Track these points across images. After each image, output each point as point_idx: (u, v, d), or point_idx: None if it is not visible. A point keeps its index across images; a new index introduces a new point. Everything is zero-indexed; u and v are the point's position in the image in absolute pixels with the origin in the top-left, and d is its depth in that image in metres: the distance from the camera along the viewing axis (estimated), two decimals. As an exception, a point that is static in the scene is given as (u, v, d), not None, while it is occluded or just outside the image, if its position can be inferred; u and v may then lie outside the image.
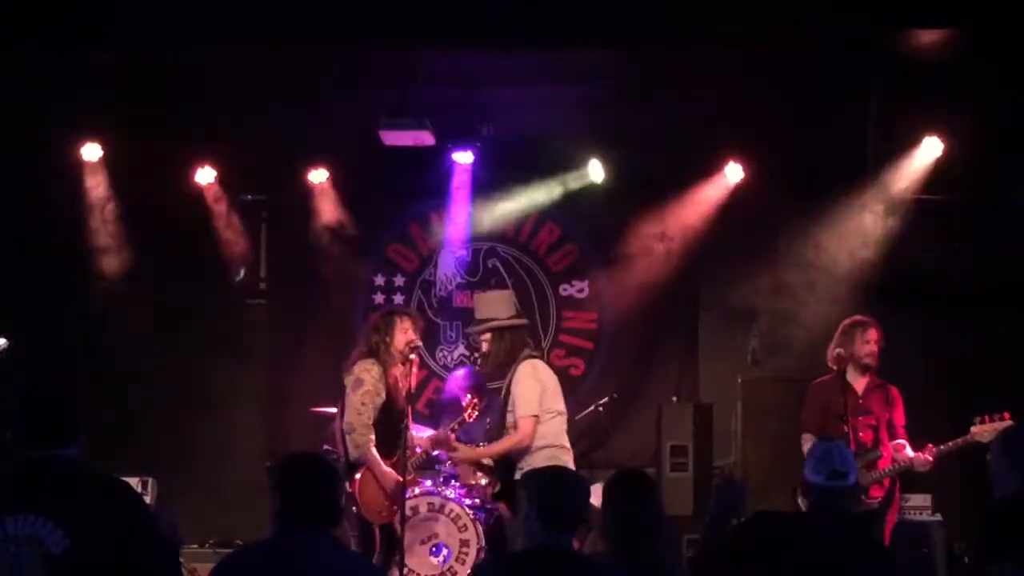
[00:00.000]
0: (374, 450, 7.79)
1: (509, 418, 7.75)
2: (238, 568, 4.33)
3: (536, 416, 7.66)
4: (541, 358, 8.14)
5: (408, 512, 8.06)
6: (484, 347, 7.92)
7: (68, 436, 4.24)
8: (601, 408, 10.03)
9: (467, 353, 10.43)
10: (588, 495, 4.73)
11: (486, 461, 8.17)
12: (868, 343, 8.25)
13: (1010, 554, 4.91)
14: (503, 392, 7.84)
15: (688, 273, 10.57)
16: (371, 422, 7.81)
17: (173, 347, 10.46)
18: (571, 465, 7.71)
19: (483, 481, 8.24)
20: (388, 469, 7.81)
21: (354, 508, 7.82)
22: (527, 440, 7.63)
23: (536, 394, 7.69)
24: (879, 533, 8.05)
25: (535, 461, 7.57)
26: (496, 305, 7.90)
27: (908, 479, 8.60)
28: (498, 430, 7.96)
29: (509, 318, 7.82)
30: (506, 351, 7.82)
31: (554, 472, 4.87)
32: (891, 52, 8.65)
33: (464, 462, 7.89)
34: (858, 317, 8.41)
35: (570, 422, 9.97)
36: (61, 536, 3.98)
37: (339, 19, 8.18)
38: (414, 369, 7.93)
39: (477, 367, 7.90)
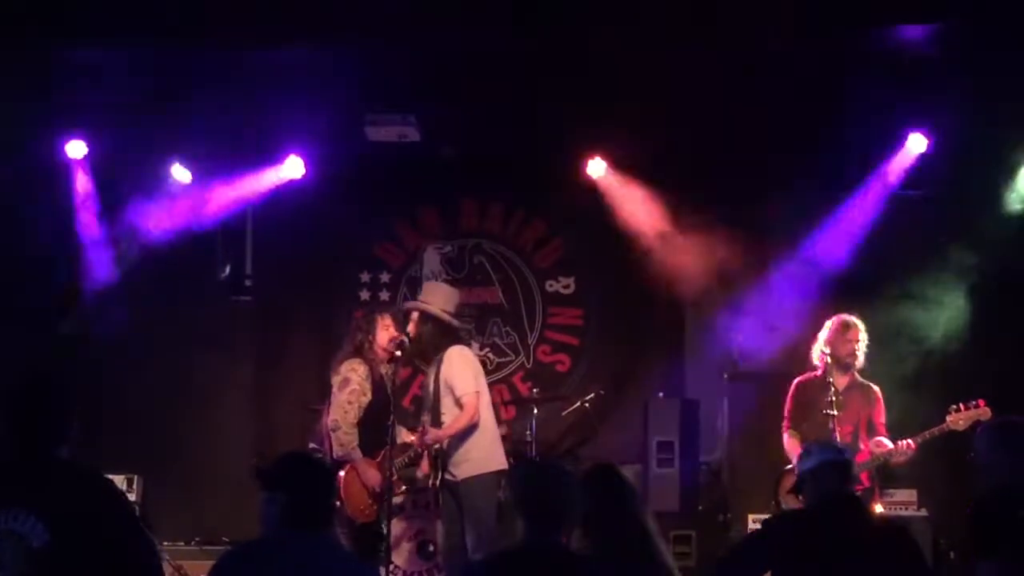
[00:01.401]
0: (358, 449, 7.81)
1: (446, 402, 7.74)
2: (237, 567, 4.33)
3: (477, 392, 7.71)
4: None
5: (395, 510, 8.08)
6: (410, 326, 7.94)
7: (59, 435, 4.25)
8: (587, 404, 10.03)
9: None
10: (573, 489, 4.69)
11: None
12: (850, 342, 8.29)
13: (1002, 550, 4.94)
14: (430, 382, 7.85)
15: (674, 268, 10.57)
16: (356, 421, 7.82)
17: (159, 345, 10.44)
18: (501, 452, 7.83)
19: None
20: (372, 468, 7.83)
21: (338, 504, 7.83)
22: (475, 416, 7.67)
23: (471, 372, 7.76)
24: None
25: (480, 448, 7.65)
26: (434, 294, 7.98)
27: (894, 474, 8.63)
28: (434, 417, 7.90)
29: (439, 309, 7.83)
30: (427, 338, 7.84)
31: (534, 466, 4.84)
32: (876, 48, 8.66)
33: (434, 444, 7.86)
34: (843, 316, 8.44)
35: (557, 418, 10.06)
36: (42, 530, 4.00)
37: (326, 16, 8.18)
38: (399, 367, 7.95)
39: (398, 352, 7.88)
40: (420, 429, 8.00)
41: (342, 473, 7.82)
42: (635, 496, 5.06)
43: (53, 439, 4.23)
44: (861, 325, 8.35)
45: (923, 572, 5.16)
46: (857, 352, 8.29)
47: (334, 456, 7.85)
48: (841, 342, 8.29)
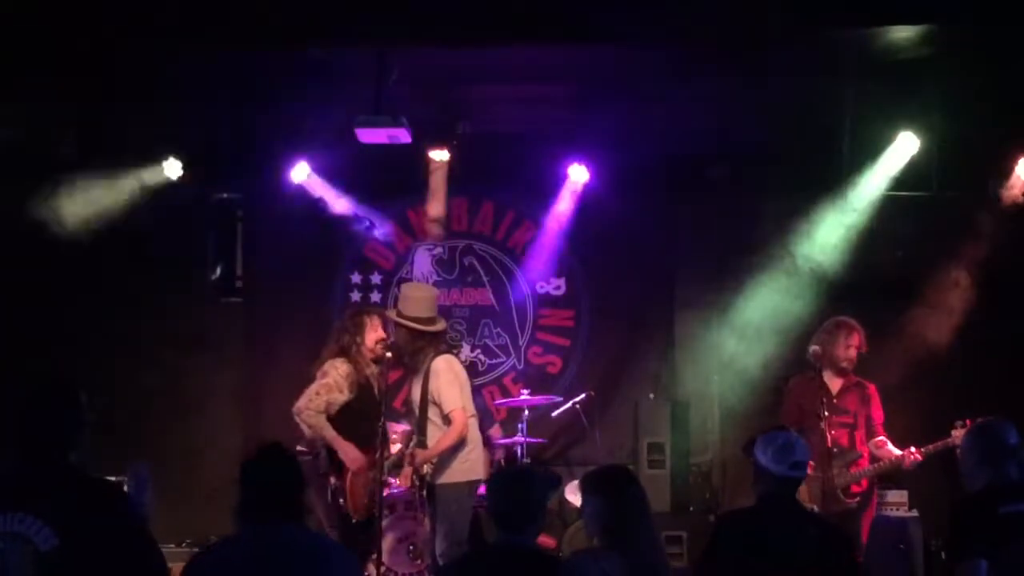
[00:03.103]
0: (329, 426, 7.80)
1: (432, 415, 7.72)
2: (207, 568, 4.35)
3: (464, 407, 7.68)
4: (454, 354, 8.12)
5: (385, 511, 8.06)
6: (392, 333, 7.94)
7: (70, 441, 4.26)
8: (578, 405, 10.04)
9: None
10: (537, 489, 4.67)
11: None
12: (849, 347, 8.22)
13: (979, 551, 4.96)
14: (418, 392, 7.80)
15: (665, 270, 10.59)
16: (321, 410, 7.82)
17: (149, 345, 10.43)
18: (479, 463, 7.77)
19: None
20: (354, 450, 7.83)
21: (341, 501, 7.82)
22: (464, 431, 7.65)
23: (456, 387, 7.70)
24: (857, 530, 8.08)
25: (458, 458, 7.63)
26: (406, 302, 7.91)
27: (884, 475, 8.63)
28: (420, 429, 7.85)
29: (408, 319, 7.79)
30: (403, 344, 7.81)
31: (499, 472, 4.87)
32: (866, 49, 8.66)
33: (423, 465, 7.81)
34: (844, 318, 8.37)
35: (547, 419, 10.06)
36: (49, 534, 4.01)
37: (316, 17, 8.17)
38: (388, 368, 7.93)
39: (389, 354, 7.86)
40: (409, 453, 7.97)
41: (349, 472, 7.83)
42: (645, 497, 5.08)
43: (64, 445, 4.25)
44: (860, 328, 8.30)
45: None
46: (855, 358, 8.24)
47: (306, 436, 7.87)
48: (841, 346, 8.22)
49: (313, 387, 7.90)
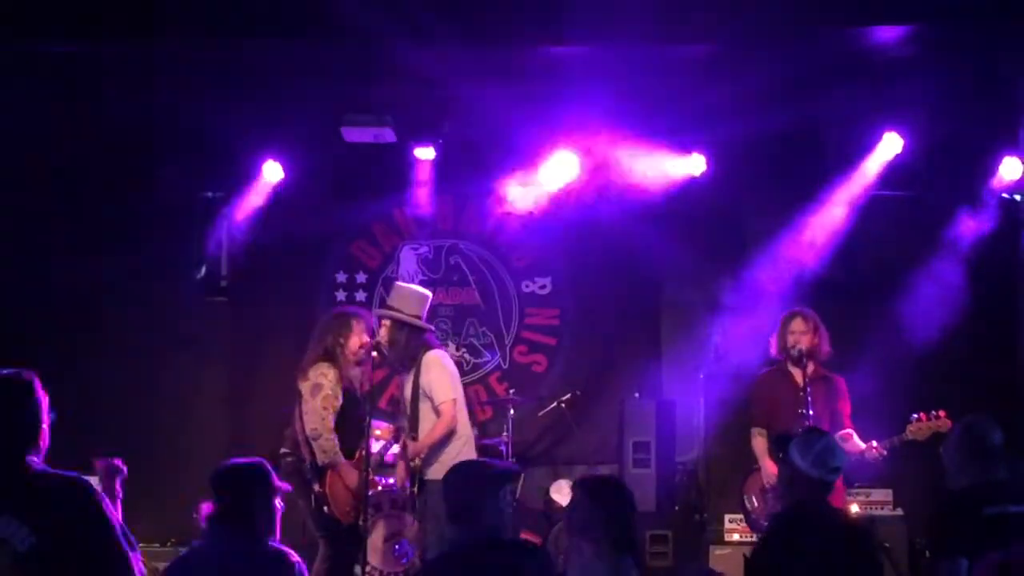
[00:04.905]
0: (340, 454, 7.78)
1: (423, 408, 7.73)
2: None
3: (455, 400, 7.69)
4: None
5: (371, 510, 8.04)
6: (382, 332, 7.91)
7: (33, 441, 4.23)
8: (564, 404, 10.04)
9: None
10: (480, 481, 4.65)
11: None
12: (793, 333, 8.19)
13: (961, 550, 4.98)
14: (409, 387, 7.81)
15: (651, 268, 10.60)
16: (333, 426, 7.79)
17: (134, 345, 10.41)
18: (472, 455, 7.74)
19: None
20: (354, 472, 7.81)
21: (325, 509, 7.80)
22: (453, 423, 7.67)
23: (448, 380, 7.74)
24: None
25: (449, 453, 7.62)
26: (406, 300, 7.92)
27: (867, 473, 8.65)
28: (411, 424, 7.85)
29: (411, 316, 7.80)
30: (403, 344, 7.81)
31: (453, 470, 4.85)
32: (852, 48, 8.68)
33: (415, 456, 7.80)
34: (792, 309, 8.41)
35: (533, 418, 10.06)
36: (27, 534, 3.99)
37: (301, 15, 8.16)
38: (374, 369, 7.92)
39: (375, 353, 7.85)
40: (401, 444, 7.96)
41: (328, 478, 7.79)
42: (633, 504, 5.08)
43: (28, 445, 4.21)
44: (806, 316, 8.26)
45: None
46: (804, 344, 8.19)
47: (319, 463, 7.80)
48: (787, 333, 8.23)
49: (317, 404, 7.79)
